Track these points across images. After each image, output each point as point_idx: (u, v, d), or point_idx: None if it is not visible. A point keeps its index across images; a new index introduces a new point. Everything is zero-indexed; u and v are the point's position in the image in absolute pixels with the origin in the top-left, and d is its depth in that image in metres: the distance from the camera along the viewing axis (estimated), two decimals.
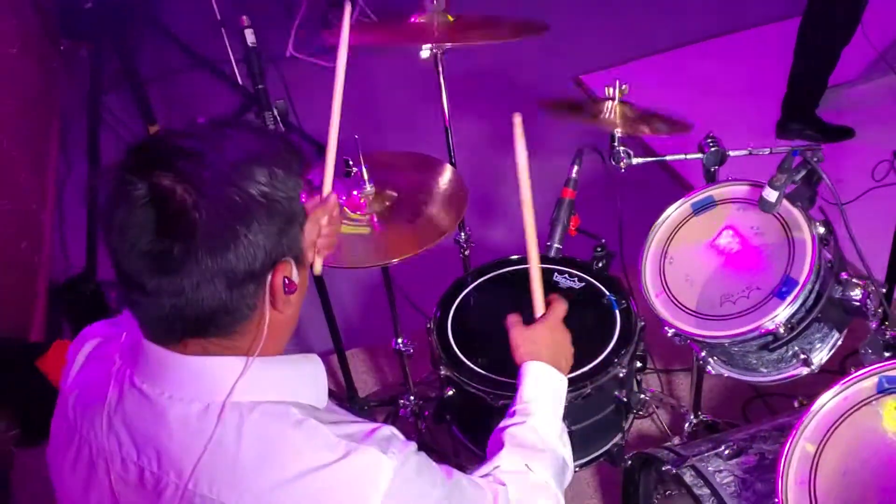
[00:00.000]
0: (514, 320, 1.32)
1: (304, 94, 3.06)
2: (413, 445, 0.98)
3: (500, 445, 1.19)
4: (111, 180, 0.87)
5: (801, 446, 1.25)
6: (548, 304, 1.35)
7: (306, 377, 1.01)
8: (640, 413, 1.94)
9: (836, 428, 1.25)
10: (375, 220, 1.67)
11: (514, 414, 1.23)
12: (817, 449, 1.24)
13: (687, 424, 2.06)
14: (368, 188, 1.70)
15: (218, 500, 0.91)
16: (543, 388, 1.25)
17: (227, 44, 3.55)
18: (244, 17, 1.77)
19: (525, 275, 1.77)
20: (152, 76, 4.03)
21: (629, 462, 1.68)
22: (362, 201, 1.69)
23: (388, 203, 1.70)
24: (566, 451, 1.23)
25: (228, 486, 0.91)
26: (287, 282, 0.93)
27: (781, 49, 3.24)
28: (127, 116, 3.70)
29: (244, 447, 0.91)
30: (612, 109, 1.67)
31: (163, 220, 0.85)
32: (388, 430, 0.98)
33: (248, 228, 0.87)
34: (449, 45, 1.74)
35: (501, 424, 1.23)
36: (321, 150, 3.55)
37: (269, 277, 0.91)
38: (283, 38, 4.25)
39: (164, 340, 0.94)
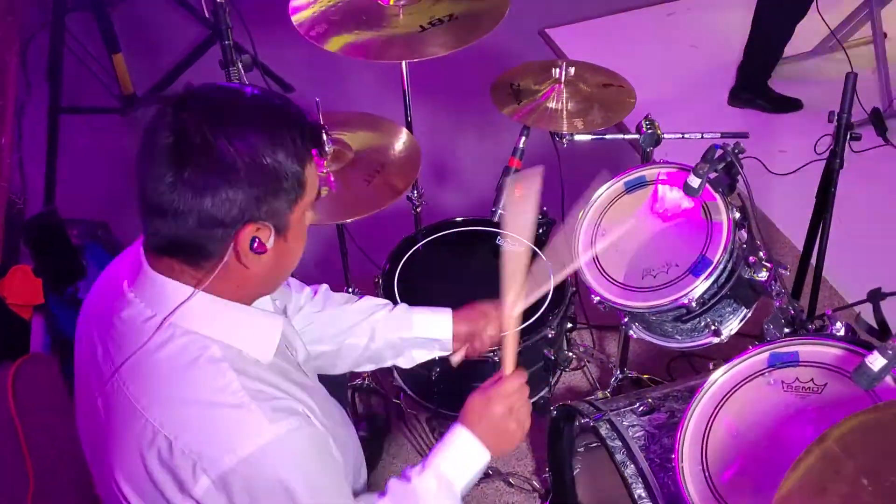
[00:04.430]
0: (487, 384, 1.30)
1: (263, 27, 3.05)
2: (310, 431, 1.05)
3: None
4: (152, 115, 1.00)
5: (698, 410, 1.42)
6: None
7: (255, 330, 1.10)
8: (568, 369, 2.09)
9: (729, 396, 1.41)
10: (332, 178, 1.74)
11: (435, 484, 1.22)
12: (712, 413, 1.40)
13: (613, 379, 2.22)
14: (328, 147, 1.76)
15: (127, 396, 1.04)
16: (467, 470, 1.26)
17: None
18: None
19: (468, 236, 1.89)
20: None
21: (554, 413, 1.84)
22: (321, 159, 1.76)
23: (345, 162, 1.76)
24: None
25: (138, 387, 1.04)
26: (256, 242, 1.02)
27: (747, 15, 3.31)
28: (90, 41, 3.65)
29: (160, 361, 1.04)
30: (556, 97, 1.78)
31: (169, 151, 0.97)
32: (300, 406, 1.06)
33: (229, 184, 0.97)
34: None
35: (415, 478, 1.22)
36: (285, 87, 3.55)
37: (238, 232, 1.00)
38: None
39: (150, 251, 1.06)
